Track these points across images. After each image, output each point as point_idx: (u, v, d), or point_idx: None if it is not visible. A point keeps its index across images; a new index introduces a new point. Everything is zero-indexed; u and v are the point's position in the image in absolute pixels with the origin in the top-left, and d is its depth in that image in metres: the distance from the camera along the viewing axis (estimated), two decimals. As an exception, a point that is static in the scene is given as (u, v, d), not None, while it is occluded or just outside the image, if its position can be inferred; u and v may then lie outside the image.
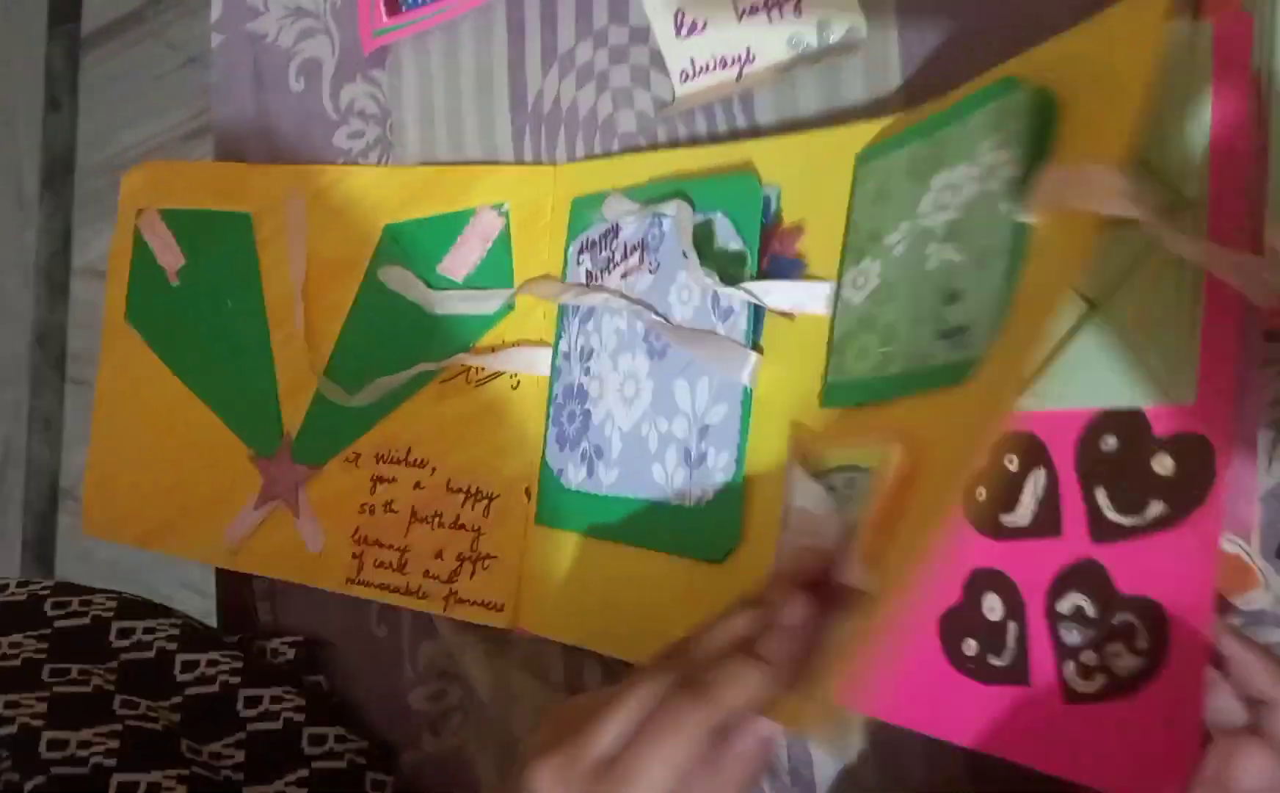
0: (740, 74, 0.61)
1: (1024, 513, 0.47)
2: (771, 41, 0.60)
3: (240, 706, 0.71)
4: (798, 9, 0.58)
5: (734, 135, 0.63)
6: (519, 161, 0.71)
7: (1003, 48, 0.51)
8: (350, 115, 0.78)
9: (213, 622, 0.84)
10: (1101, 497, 0.45)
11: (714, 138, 0.63)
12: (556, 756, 0.46)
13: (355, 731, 0.75)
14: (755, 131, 0.62)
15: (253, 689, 0.72)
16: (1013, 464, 0.47)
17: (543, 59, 0.69)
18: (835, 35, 0.58)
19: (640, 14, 0.64)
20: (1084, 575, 0.45)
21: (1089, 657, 0.45)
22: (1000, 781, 0.53)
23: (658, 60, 0.64)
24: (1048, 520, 0.46)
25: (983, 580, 0.48)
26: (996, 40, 0.52)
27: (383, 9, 0.75)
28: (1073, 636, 0.45)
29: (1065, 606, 0.45)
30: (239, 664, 0.73)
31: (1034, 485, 0.47)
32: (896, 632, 0.48)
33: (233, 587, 0.84)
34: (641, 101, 0.66)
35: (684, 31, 0.62)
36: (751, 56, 0.61)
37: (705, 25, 0.62)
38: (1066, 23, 0.48)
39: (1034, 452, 0.47)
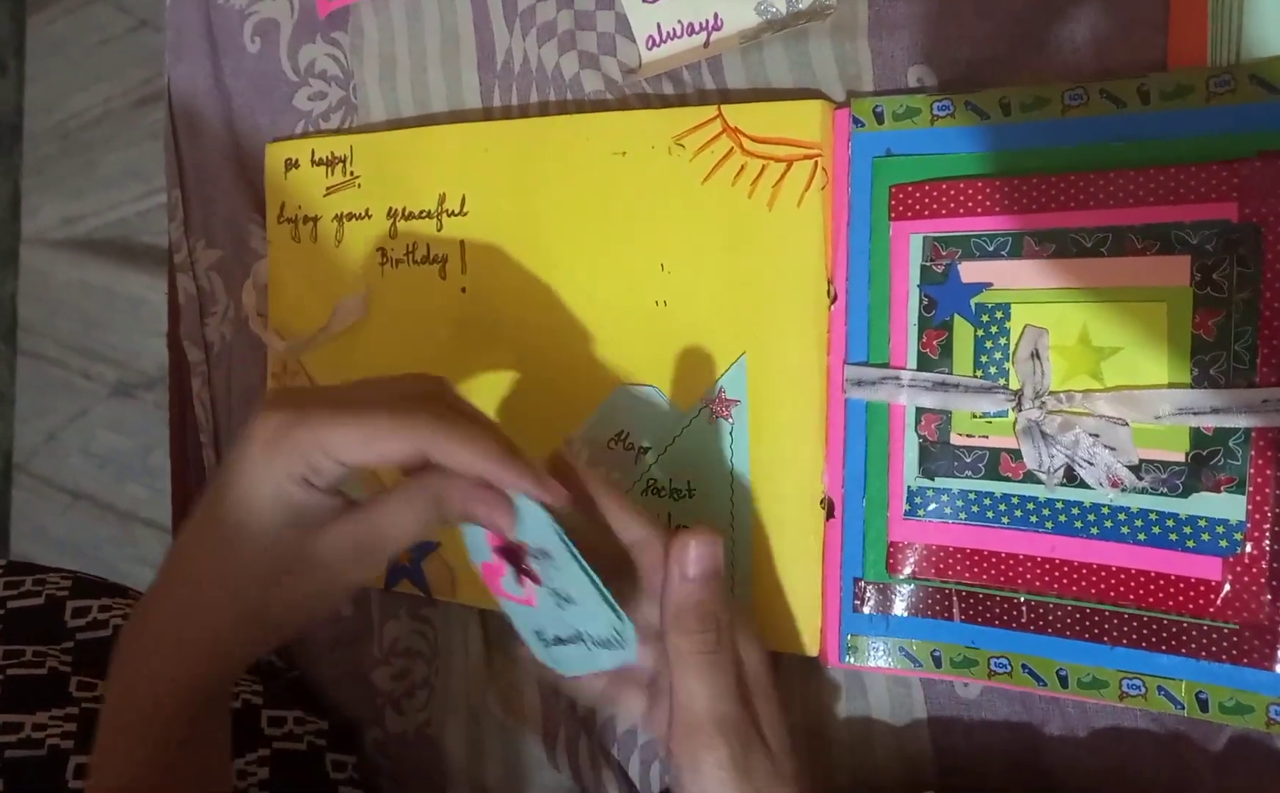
0: (708, 41, 0.51)
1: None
2: (739, 7, 0.49)
3: None
4: (766, -26, 0.48)
5: (702, 97, 0.52)
6: (491, 121, 0.57)
7: (970, 12, 0.45)
8: (310, 76, 0.63)
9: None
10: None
11: (683, 99, 0.52)
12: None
13: (317, 710, 0.63)
14: (724, 95, 0.51)
15: None
16: None
17: (505, 16, 0.57)
18: (804, 1, 0.48)
19: (607, -22, 0.53)
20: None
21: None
22: (967, 779, 0.48)
23: (624, 25, 0.53)
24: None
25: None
26: (965, 5, 0.45)
27: (340, -30, 0.61)
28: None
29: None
30: None
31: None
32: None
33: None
34: (608, 66, 0.54)
35: (651, -3, 0.51)
36: (719, 23, 0.50)
37: (673, -10, 0.51)
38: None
39: None
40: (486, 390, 0.56)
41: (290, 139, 0.64)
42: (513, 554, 0.43)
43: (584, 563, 0.40)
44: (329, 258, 0.61)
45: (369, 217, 0.60)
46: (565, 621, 0.43)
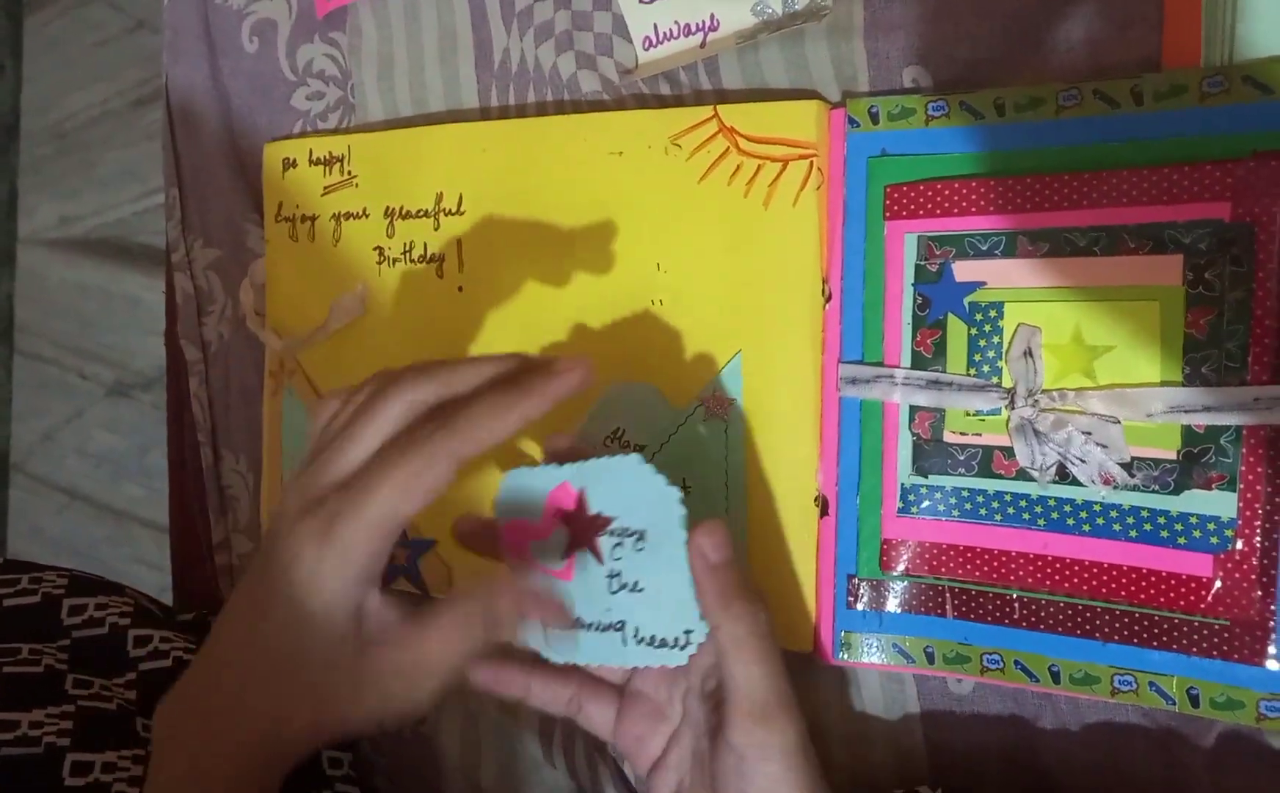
0: (704, 41, 0.51)
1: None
2: (735, 8, 0.50)
3: None
4: (763, -26, 0.48)
5: (699, 98, 0.52)
6: (488, 121, 0.57)
7: (965, 13, 0.45)
8: (309, 76, 0.63)
9: (169, 597, 0.69)
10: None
11: (680, 100, 0.52)
12: (301, 476, 0.40)
13: None
14: (721, 95, 0.51)
15: None
16: None
17: (503, 16, 0.57)
18: (800, 1, 0.48)
19: (604, -21, 0.53)
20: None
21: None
22: (960, 775, 0.48)
23: (620, 26, 0.53)
24: None
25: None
26: (960, 6, 0.45)
27: (338, -29, 0.61)
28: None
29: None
30: (193, 643, 0.60)
31: None
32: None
33: (190, 562, 0.69)
34: (605, 67, 0.54)
35: (647, -3, 0.51)
36: (715, 23, 0.51)
37: (669, -9, 0.51)
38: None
39: None
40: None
41: (288, 139, 0.64)
42: (582, 524, 0.42)
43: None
44: (326, 257, 0.61)
45: (366, 216, 0.60)
46: (609, 606, 0.43)
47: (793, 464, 0.49)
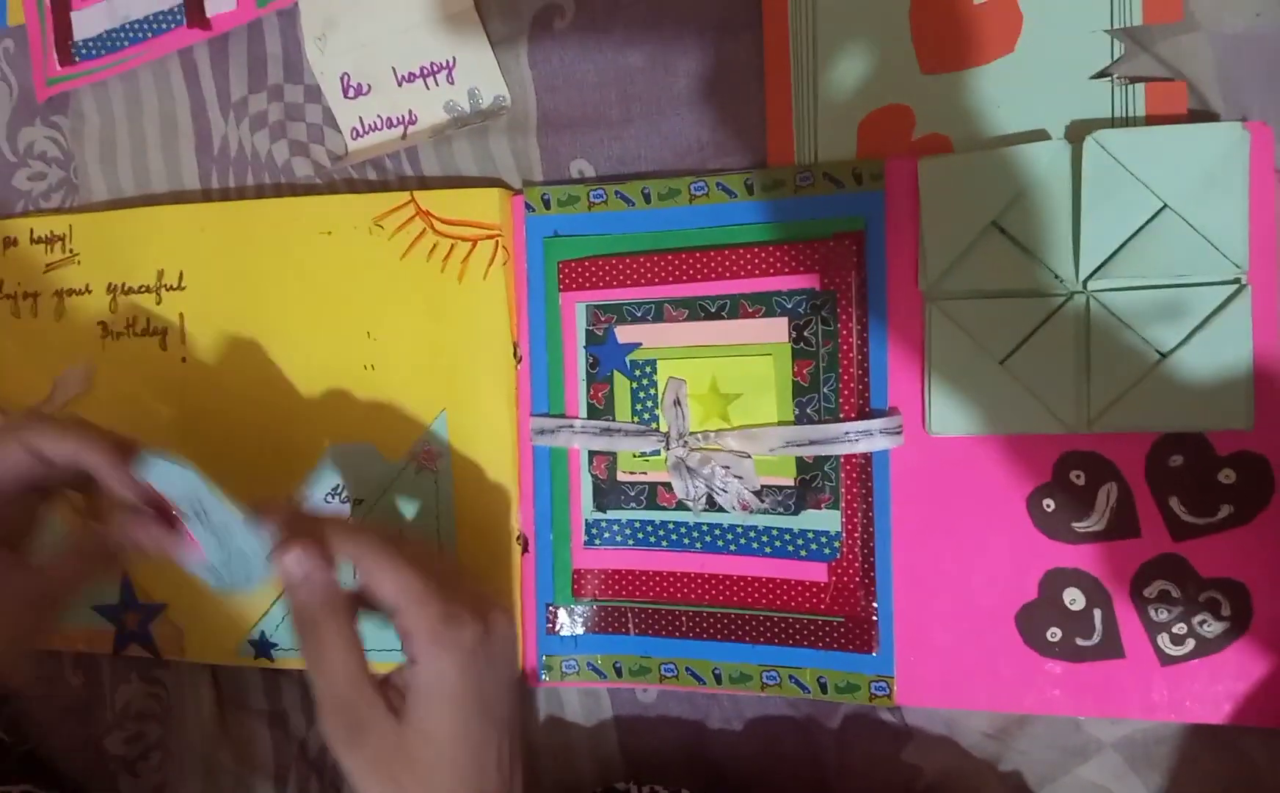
0: (405, 133, 0.57)
1: (1098, 519, 0.46)
2: (430, 105, 0.56)
3: None
4: (450, 79, 0.55)
5: (403, 183, 0.57)
6: (208, 202, 0.60)
7: (614, 117, 0.53)
8: (30, 157, 0.64)
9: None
10: (1175, 504, 0.45)
11: (386, 185, 0.57)
12: None
13: (48, 782, 0.61)
14: (422, 181, 0.57)
15: None
16: (1080, 480, 0.46)
17: (220, 106, 0.60)
18: (484, 102, 0.55)
19: (313, 74, 0.58)
20: (1167, 566, 0.46)
21: (1179, 628, 0.46)
22: (651, 772, 0.54)
23: (330, 117, 0.58)
24: (1124, 524, 0.46)
25: (1061, 578, 0.47)
26: (614, 103, 0.53)
27: (55, 59, 0.62)
28: (1160, 614, 0.46)
29: (1151, 591, 0.46)
30: None
31: (1106, 496, 0.46)
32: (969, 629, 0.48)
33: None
34: (317, 153, 0.59)
35: (351, 94, 0.57)
36: (414, 118, 0.56)
37: (370, 89, 0.57)
38: (684, 99, 0.51)
39: (1103, 469, 0.46)
40: (209, 454, 0.58)
41: (9, 218, 0.64)
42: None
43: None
44: (50, 332, 0.62)
45: (89, 292, 0.61)
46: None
47: (496, 507, 0.54)
